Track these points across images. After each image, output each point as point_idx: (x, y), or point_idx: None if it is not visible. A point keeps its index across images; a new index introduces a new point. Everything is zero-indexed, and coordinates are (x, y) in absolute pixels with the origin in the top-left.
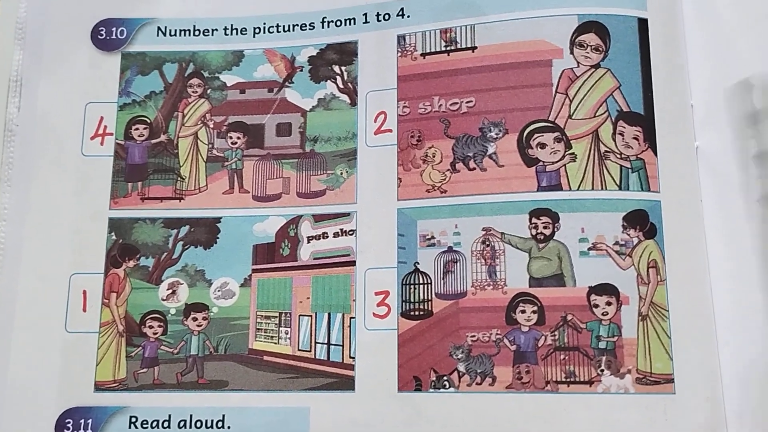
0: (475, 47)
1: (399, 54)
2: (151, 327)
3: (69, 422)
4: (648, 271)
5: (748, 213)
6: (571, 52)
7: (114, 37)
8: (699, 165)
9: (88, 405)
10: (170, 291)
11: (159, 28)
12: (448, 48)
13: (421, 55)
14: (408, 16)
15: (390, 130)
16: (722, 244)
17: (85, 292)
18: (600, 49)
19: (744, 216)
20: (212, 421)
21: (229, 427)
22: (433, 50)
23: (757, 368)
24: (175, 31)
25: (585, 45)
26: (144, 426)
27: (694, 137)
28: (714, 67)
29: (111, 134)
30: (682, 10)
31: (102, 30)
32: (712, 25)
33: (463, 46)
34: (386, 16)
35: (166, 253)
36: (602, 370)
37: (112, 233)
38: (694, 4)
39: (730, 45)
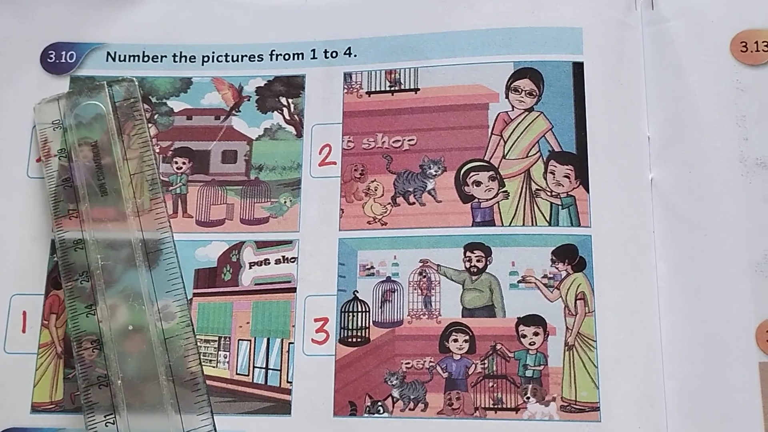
0: (418, 89)
1: (345, 90)
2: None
3: None
4: (576, 302)
5: (700, 246)
6: (507, 97)
7: (63, 60)
8: (653, 196)
9: (24, 426)
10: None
11: (108, 53)
12: (393, 88)
13: (367, 93)
14: (355, 55)
15: (334, 163)
16: (672, 276)
17: (24, 313)
18: (534, 93)
19: (695, 249)
20: None
21: None
22: (378, 89)
23: (704, 401)
24: (125, 56)
25: (519, 90)
26: None
27: (649, 169)
28: (670, 101)
29: (56, 155)
30: (635, 47)
31: (51, 53)
32: (669, 59)
33: (407, 87)
34: (333, 54)
35: (107, 275)
36: (528, 398)
37: (54, 255)
38: (652, 38)
39: (688, 78)
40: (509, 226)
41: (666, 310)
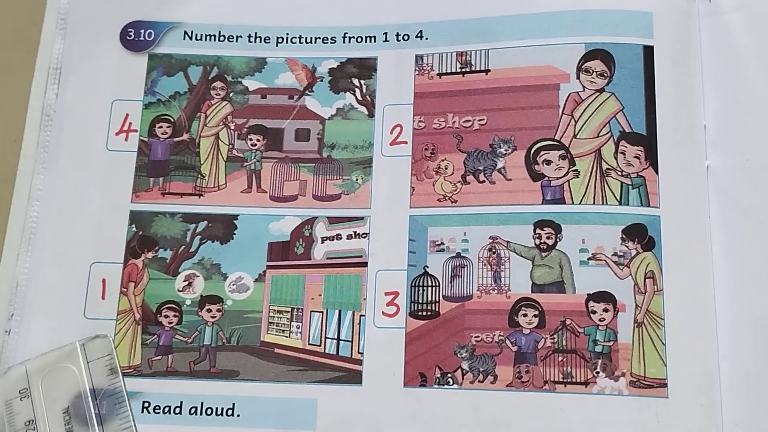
0: (489, 70)
1: (416, 72)
2: (166, 316)
3: None
4: (645, 281)
5: (754, 233)
6: (578, 78)
7: (142, 38)
8: (708, 183)
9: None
10: (186, 283)
11: (185, 32)
12: (463, 70)
13: (438, 74)
14: (426, 39)
15: (405, 142)
16: (727, 261)
17: (104, 281)
18: (605, 74)
19: (749, 235)
20: (222, 408)
21: (238, 416)
22: (448, 71)
23: (755, 382)
24: (201, 35)
25: (591, 71)
26: (156, 411)
27: (705, 156)
28: (728, 90)
29: (135, 131)
30: (696, 36)
31: (131, 31)
32: (727, 51)
33: (477, 69)
34: (405, 37)
35: (183, 247)
36: (597, 372)
37: (133, 225)
38: (710, 29)
39: (745, 69)
40: (579, 204)
41: (720, 294)
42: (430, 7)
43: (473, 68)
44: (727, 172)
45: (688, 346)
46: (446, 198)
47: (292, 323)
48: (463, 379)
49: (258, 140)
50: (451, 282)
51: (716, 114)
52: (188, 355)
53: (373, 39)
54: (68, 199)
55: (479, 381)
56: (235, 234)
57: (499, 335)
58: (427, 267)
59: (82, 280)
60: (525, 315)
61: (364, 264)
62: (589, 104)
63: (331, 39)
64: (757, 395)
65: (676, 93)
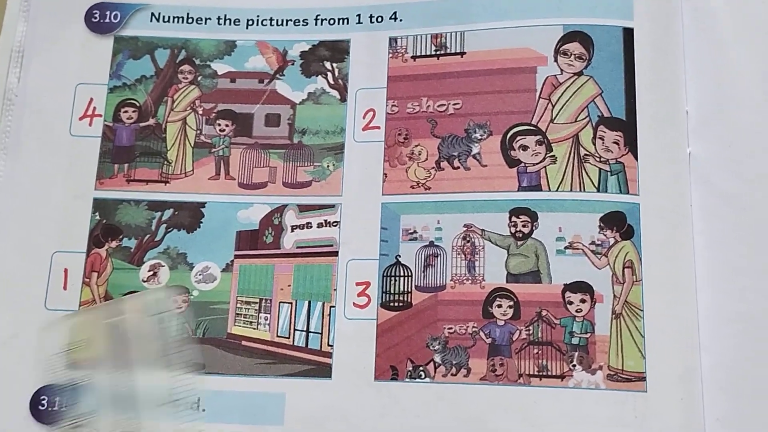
0: (464, 52)
1: (390, 55)
2: None
3: (44, 399)
4: (623, 271)
5: (738, 222)
6: (555, 60)
7: (108, 20)
8: (690, 170)
9: (63, 383)
10: (151, 273)
11: (153, 14)
12: (438, 52)
13: (412, 57)
14: (400, 20)
15: (378, 127)
16: (708, 251)
17: (66, 271)
18: (583, 57)
19: (733, 225)
20: (187, 402)
21: (203, 410)
22: (423, 53)
23: (738, 377)
24: (169, 17)
25: (569, 54)
26: None
27: (687, 143)
28: (710, 76)
29: (100, 116)
30: (678, 19)
31: (96, 13)
32: (709, 34)
33: (453, 51)
34: (379, 18)
35: (148, 235)
36: (574, 365)
37: (96, 213)
38: (692, 13)
39: (728, 54)
40: (556, 191)
41: (702, 285)
42: None
43: (448, 51)
44: (710, 159)
45: (667, 339)
46: (419, 185)
47: (260, 315)
48: (435, 372)
49: (227, 125)
50: (423, 272)
51: (699, 99)
52: None
53: (345, 21)
54: (30, 186)
55: (452, 374)
56: (202, 222)
57: (473, 327)
58: (400, 256)
59: (44, 270)
60: (500, 306)
61: (335, 253)
62: (567, 88)
63: (303, 21)
64: (739, 389)
65: (657, 77)
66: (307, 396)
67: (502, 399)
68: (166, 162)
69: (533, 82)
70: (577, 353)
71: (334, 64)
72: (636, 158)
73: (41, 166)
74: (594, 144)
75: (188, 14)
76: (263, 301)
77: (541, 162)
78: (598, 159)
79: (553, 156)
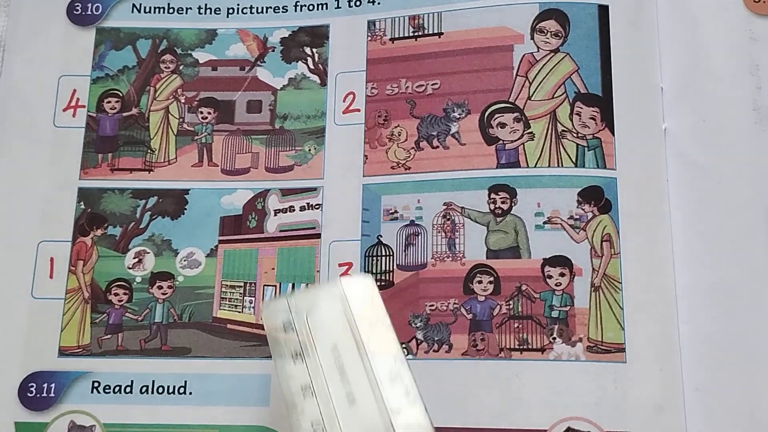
0: (442, 33)
1: (369, 38)
2: (116, 294)
3: (32, 386)
4: (602, 244)
5: (713, 195)
6: (532, 38)
7: (89, 12)
8: (666, 145)
9: (51, 369)
10: (136, 260)
11: (134, 5)
12: (416, 33)
13: (390, 39)
14: (378, 3)
15: (358, 110)
16: (685, 223)
17: (52, 260)
18: (559, 34)
19: (708, 197)
20: (174, 387)
21: (190, 393)
22: (401, 35)
23: (715, 347)
24: (150, 8)
25: (545, 31)
26: (107, 391)
27: (662, 119)
28: (684, 52)
29: (83, 107)
30: None
31: (78, 5)
32: (683, 12)
33: (430, 32)
34: (357, 3)
35: (133, 223)
36: (554, 338)
37: (81, 202)
38: None
39: (701, 31)
40: (534, 167)
41: (680, 258)
42: None
43: (426, 32)
44: (685, 134)
45: (646, 310)
46: (399, 165)
47: (245, 298)
48: (417, 349)
49: (209, 113)
50: (405, 251)
51: (673, 76)
52: (139, 333)
53: (324, 6)
54: (15, 176)
55: (434, 351)
56: (186, 209)
57: (454, 303)
58: (381, 236)
59: (30, 259)
60: (480, 282)
61: (318, 236)
62: (544, 65)
63: (283, 8)
64: (717, 359)
65: (632, 53)
66: None
67: (484, 373)
68: (149, 150)
69: (510, 60)
70: (557, 326)
71: (314, 50)
72: (613, 133)
73: (26, 157)
74: (571, 120)
75: (169, 4)
76: (248, 284)
77: (519, 139)
78: (575, 135)
79: (531, 133)
